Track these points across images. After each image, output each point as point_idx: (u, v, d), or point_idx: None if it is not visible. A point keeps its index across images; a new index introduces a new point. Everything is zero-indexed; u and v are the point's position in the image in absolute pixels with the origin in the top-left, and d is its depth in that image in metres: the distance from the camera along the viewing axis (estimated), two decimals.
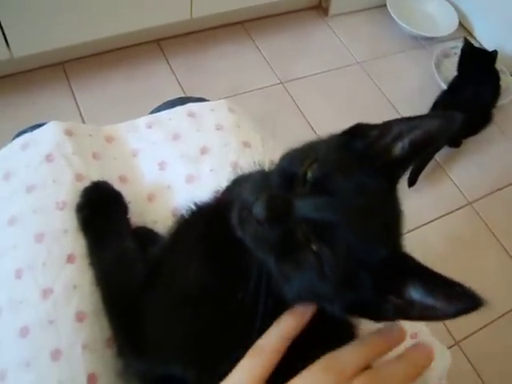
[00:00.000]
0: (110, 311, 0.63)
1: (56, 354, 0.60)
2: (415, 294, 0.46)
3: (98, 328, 0.63)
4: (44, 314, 0.62)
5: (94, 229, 0.69)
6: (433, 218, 1.77)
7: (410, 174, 1.68)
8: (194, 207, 0.64)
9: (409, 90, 2.09)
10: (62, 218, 0.68)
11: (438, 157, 1.88)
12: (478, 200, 1.86)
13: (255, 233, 0.49)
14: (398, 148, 0.52)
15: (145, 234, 0.73)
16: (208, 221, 0.62)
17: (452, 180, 1.89)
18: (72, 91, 1.76)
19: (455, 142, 1.91)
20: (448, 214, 1.81)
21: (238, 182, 0.70)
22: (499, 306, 1.54)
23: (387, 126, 0.53)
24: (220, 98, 0.94)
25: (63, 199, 0.70)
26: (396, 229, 0.51)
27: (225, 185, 0.70)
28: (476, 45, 2.10)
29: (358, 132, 0.55)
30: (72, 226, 0.68)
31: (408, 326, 0.77)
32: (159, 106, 0.97)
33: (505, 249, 1.76)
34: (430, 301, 0.45)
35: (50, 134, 0.76)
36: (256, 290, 0.49)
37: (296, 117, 1.90)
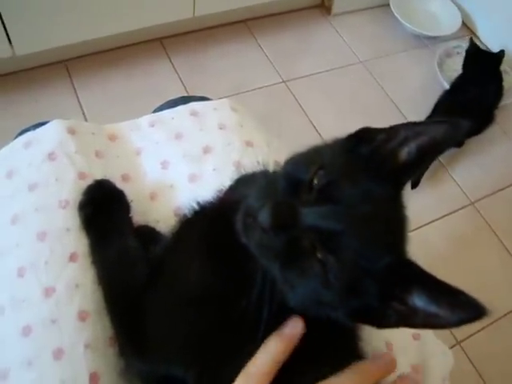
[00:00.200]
0: (111, 310, 0.63)
1: (58, 353, 0.60)
2: (419, 301, 0.46)
3: (100, 327, 0.63)
4: (46, 312, 0.62)
5: (96, 227, 0.69)
6: (435, 217, 1.77)
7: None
8: (196, 207, 0.64)
9: (411, 90, 2.09)
10: (65, 217, 0.68)
11: (440, 157, 1.88)
12: (480, 200, 1.86)
13: (260, 240, 0.48)
14: (404, 153, 0.52)
15: (147, 233, 0.73)
16: (211, 220, 0.62)
17: (454, 180, 1.89)
18: (74, 89, 1.76)
19: (458, 142, 1.91)
20: (450, 213, 1.80)
21: (242, 182, 0.70)
22: (501, 306, 1.54)
23: (393, 130, 0.53)
24: (222, 97, 0.94)
25: (66, 198, 0.69)
26: (401, 235, 0.51)
27: (228, 184, 0.70)
28: (479, 44, 2.09)
29: (364, 136, 0.54)
30: (74, 225, 0.68)
31: None
32: (162, 105, 0.97)
33: (506, 249, 1.76)
34: (433, 309, 0.45)
35: (52, 133, 0.76)
36: (260, 297, 0.49)
37: (298, 116, 1.90)
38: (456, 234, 1.76)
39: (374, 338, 0.59)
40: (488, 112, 1.91)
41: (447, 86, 1.99)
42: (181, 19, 1.87)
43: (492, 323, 1.50)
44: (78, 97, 1.74)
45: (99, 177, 0.72)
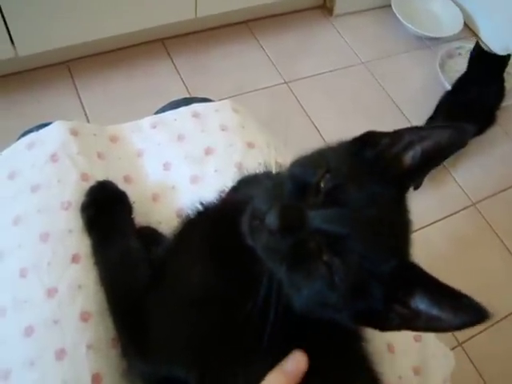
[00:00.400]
0: (114, 311, 0.63)
1: (60, 354, 0.60)
2: (421, 304, 0.46)
3: (102, 328, 0.63)
4: (49, 313, 0.62)
5: (98, 228, 0.69)
6: (436, 218, 1.77)
7: None
8: (199, 207, 0.64)
9: (413, 91, 2.09)
10: (67, 218, 0.68)
11: None
12: (481, 201, 1.86)
13: (267, 242, 0.49)
14: (409, 157, 0.52)
15: (149, 234, 0.73)
16: (214, 221, 0.62)
17: (456, 181, 1.89)
18: (76, 90, 1.76)
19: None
20: (452, 214, 1.80)
21: (244, 183, 0.70)
22: (503, 307, 1.54)
23: (398, 134, 0.53)
24: (224, 98, 0.94)
25: (68, 199, 0.70)
26: (405, 238, 0.51)
27: (230, 185, 0.70)
28: (481, 45, 2.08)
29: (368, 140, 0.54)
30: (77, 226, 0.68)
31: None
32: (164, 107, 0.97)
33: (508, 250, 1.75)
34: (435, 312, 0.45)
35: (55, 134, 0.77)
36: (266, 299, 0.49)
37: (300, 117, 1.90)
38: (457, 234, 1.76)
39: (375, 339, 0.59)
40: (490, 113, 1.91)
41: (449, 87, 1.99)
42: (183, 20, 1.87)
43: (494, 324, 1.50)
44: (80, 98, 1.74)
45: (101, 178, 0.72)
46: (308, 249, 0.48)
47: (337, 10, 2.23)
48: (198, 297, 0.56)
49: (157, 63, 1.90)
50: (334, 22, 2.25)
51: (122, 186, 0.73)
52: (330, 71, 2.08)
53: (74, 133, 0.77)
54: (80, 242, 0.67)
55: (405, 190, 0.53)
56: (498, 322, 1.50)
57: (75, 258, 0.66)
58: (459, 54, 2.18)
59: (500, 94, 1.94)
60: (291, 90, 1.97)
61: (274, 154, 0.83)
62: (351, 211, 0.48)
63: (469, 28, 2.39)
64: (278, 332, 0.49)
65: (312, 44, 2.16)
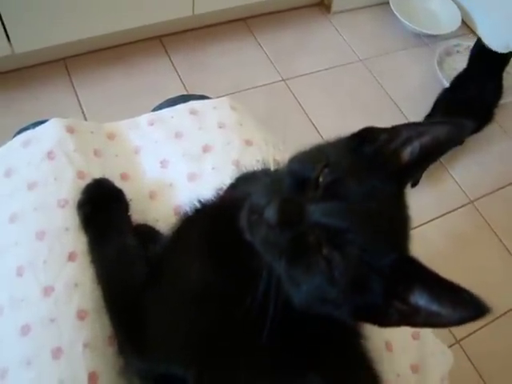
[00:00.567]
0: (111, 309, 0.63)
1: (57, 353, 0.60)
2: (420, 300, 0.46)
3: (99, 326, 0.63)
4: (45, 312, 0.62)
5: (95, 226, 0.68)
6: (434, 216, 1.77)
7: None
8: (197, 205, 0.64)
9: (411, 88, 2.09)
10: (64, 216, 0.68)
11: None
12: (479, 198, 1.86)
13: (266, 236, 0.48)
14: (407, 153, 0.52)
15: (146, 232, 0.73)
16: (212, 218, 0.62)
17: (454, 178, 1.88)
18: (74, 87, 1.75)
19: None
20: (449, 212, 1.80)
21: (242, 180, 0.70)
22: (500, 304, 1.54)
23: (396, 130, 0.53)
24: (222, 95, 0.94)
25: (64, 197, 0.69)
26: (404, 233, 0.51)
27: (228, 182, 0.69)
28: (482, 42, 2.08)
29: (366, 135, 0.54)
30: (73, 224, 0.68)
31: None
32: (161, 104, 0.97)
33: (506, 247, 1.75)
34: (435, 307, 0.45)
35: (51, 131, 0.76)
36: (265, 293, 0.49)
37: (298, 114, 1.90)
38: (455, 232, 1.76)
39: (373, 337, 0.59)
40: (488, 110, 1.91)
41: (447, 85, 1.99)
42: (180, 17, 1.86)
43: (491, 322, 1.50)
44: (77, 95, 1.74)
45: (98, 176, 0.72)
46: (307, 243, 0.47)
47: (335, 7, 2.23)
48: (196, 294, 0.56)
49: (154, 60, 1.90)
50: (332, 19, 2.24)
51: (118, 183, 0.72)
52: (328, 68, 2.07)
53: (71, 130, 0.77)
54: (76, 240, 0.67)
55: (403, 185, 0.53)
56: (495, 319, 1.50)
57: (72, 256, 0.66)
58: (457, 51, 2.18)
59: (498, 91, 1.94)
60: (289, 88, 1.97)
61: (271, 152, 0.83)
62: (350, 204, 0.47)
63: (466, 25, 2.38)
64: (276, 329, 0.49)
65: (310, 41, 2.16)
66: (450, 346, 1.46)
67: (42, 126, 0.78)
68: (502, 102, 1.96)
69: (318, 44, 2.15)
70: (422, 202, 1.74)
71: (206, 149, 0.81)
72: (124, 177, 0.77)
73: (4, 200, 0.70)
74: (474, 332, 1.53)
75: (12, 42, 1.56)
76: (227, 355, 0.53)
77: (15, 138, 0.77)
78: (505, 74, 1.96)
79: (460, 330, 1.52)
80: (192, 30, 2.00)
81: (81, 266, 0.65)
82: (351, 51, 2.16)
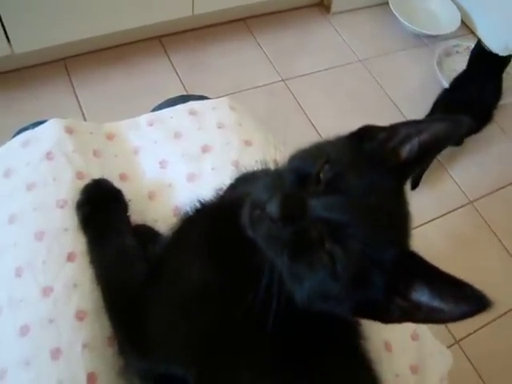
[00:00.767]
0: (110, 309, 0.63)
1: (56, 353, 0.60)
2: (422, 296, 0.46)
3: (98, 326, 0.63)
4: (44, 312, 0.62)
5: (94, 226, 0.68)
6: (434, 216, 1.77)
7: (413, 176, 1.67)
8: (197, 205, 0.64)
9: (410, 88, 2.09)
10: (63, 217, 0.68)
11: (439, 156, 1.87)
12: (479, 199, 1.86)
13: (268, 231, 0.48)
14: (406, 151, 0.52)
15: (145, 232, 0.73)
16: (212, 218, 0.62)
17: (453, 179, 1.88)
18: (73, 87, 1.75)
19: (457, 140, 1.90)
20: (449, 212, 1.80)
21: (242, 180, 0.70)
22: (500, 304, 1.53)
23: (395, 128, 0.53)
24: (221, 96, 0.94)
25: (63, 197, 0.69)
26: (404, 228, 0.51)
27: (227, 183, 0.69)
28: (482, 44, 2.08)
29: (365, 134, 0.55)
30: (72, 225, 0.68)
31: (410, 326, 0.77)
32: (160, 104, 0.97)
33: (505, 248, 1.75)
34: (436, 303, 0.45)
35: (50, 132, 0.76)
36: (268, 289, 0.48)
37: (298, 114, 1.90)
38: (455, 232, 1.76)
39: (373, 338, 0.59)
40: (487, 111, 1.91)
41: (446, 85, 1.99)
42: (180, 17, 1.86)
43: (490, 322, 1.51)
44: (76, 95, 1.74)
45: (97, 176, 0.72)
46: (310, 237, 0.47)
47: (334, 7, 2.23)
48: (196, 294, 0.56)
49: (154, 61, 1.90)
50: (332, 19, 2.24)
51: (117, 183, 0.72)
52: (328, 69, 2.07)
53: (70, 131, 0.77)
54: (75, 241, 0.67)
55: (403, 181, 0.53)
56: (495, 319, 1.50)
57: (71, 257, 0.66)
58: (457, 51, 2.18)
59: (498, 92, 1.93)
60: (288, 88, 1.97)
61: (271, 152, 0.83)
62: (351, 198, 0.47)
63: (466, 26, 2.38)
64: (278, 328, 0.49)
65: (309, 42, 2.16)
66: (450, 347, 1.46)
67: (41, 126, 0.78)
68: (501, 102, 1.96)
69: (317, 44, 2.15)
70: (422, 202, 1.74)
71: (205, 149, 0.81)
72: (123, 177, 0.77)
73: (3, 200, 0.70)
74: (474, 332, 1.53)
75: (12, 42, 1.56)
76: (227, 355, 0.53)
77: (14, 139, 0.77)
78: (504, 75, 1.96)
79: (459, 331, 1.52)
80: (192, 30, 2.00)
81: (80, 267, 0.65)
82: (351, 51, 2.16)
